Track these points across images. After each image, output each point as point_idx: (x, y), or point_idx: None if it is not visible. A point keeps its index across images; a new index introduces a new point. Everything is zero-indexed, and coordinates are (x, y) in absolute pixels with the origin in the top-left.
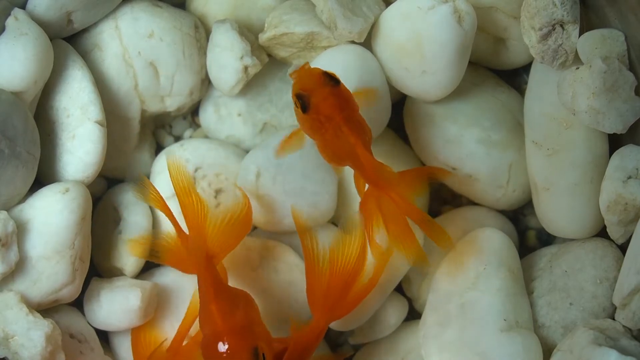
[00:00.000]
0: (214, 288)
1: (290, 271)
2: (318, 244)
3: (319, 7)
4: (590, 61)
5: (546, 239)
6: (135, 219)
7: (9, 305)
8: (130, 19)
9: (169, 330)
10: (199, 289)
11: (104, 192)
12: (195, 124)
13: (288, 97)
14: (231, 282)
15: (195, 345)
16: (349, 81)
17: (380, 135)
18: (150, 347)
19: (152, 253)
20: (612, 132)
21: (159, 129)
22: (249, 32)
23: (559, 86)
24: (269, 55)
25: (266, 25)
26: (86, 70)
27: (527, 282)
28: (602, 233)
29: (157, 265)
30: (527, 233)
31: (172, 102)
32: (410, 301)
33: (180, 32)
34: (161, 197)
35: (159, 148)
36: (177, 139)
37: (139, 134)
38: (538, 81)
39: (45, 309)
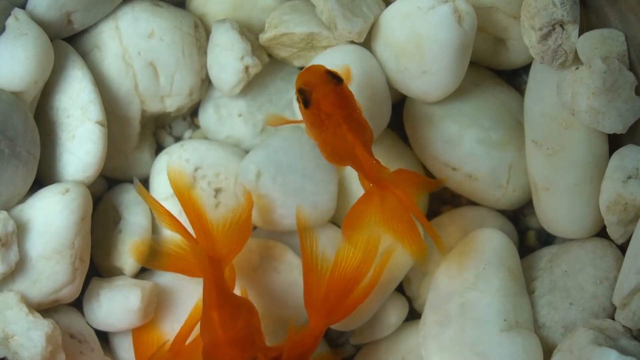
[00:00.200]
0: (217, 294)
1: (290, 271)
2: (318, 246)
3: (319, 8)
4: (590, 61)
5: (546, 239)
6: (135, 219)
7: (9, 305)
8: (131, 19)
9: (169, 330)
10: (203, 293)
11: (104, 192)
12: (194, 125)
13: (288, 98)
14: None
15: (197, 346)
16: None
17: (380, 135)
18: (151, 347)
19: (155, 259)
20: (612, 132)
21: (159, 130)
22: (249, 32)
23: (559, 86)
24: (269, 56)
25: (266, 25)
26: (86, 70)
27: (527, 282)
28: (602, 233)
29: None
30: (527, 233)
31: (172, 102)
32: (410, 301)
33: (180, 31)
34: (168, 212)
35: (159, 148)
36: (177, 139)
37: (139, 134)
38: (538, 81)
39: (45, 309)
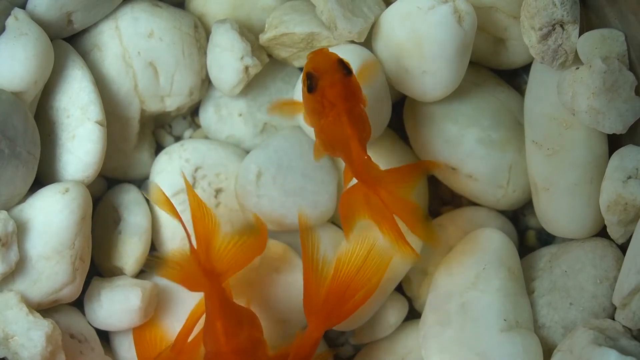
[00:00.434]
0: (220, 305)
1: (291, 271)
2: (319, 250)
3: (319, 8)
4: (590, 61)
5: (546, 239)
6: (135, 219)
7: (9, 305)
8: (130, 19)
9: (170, 329)
10: (205, 304)
11: (104, 192)
12: (195, 124)
13: (288, 97)
14: (232, 282)
15: (199, 343)
16: None
17: (380, 135)
18: (153, 346)
19: (160, 268)
20: (612, 132)
21: (159, 129)
22: (249, 32)
23: (559, 86)
24: (270, 56)
25: (266, 25)
26: (86, 70)
27: (527, 282)
28: (602, 233)
29: None
30: (527, 233)
31: (172, 102)
32: (410, 301)
33: (179, 31)
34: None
35: (159, 148)
36: (177, 139)
37: (138, 134)
38: (538, 81)
39: (46, 309)
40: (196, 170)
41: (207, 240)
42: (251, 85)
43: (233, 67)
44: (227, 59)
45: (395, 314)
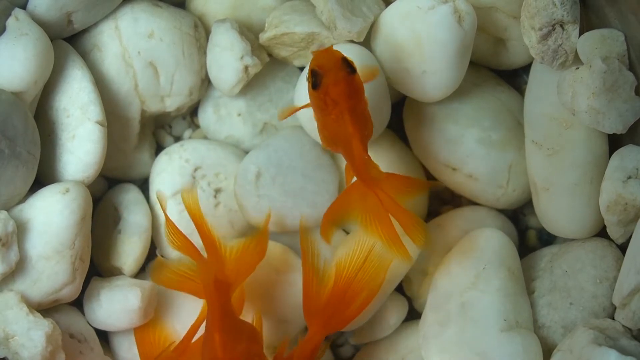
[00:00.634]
0: (220, 316)
1: (290, 271)
2: (319, 255)
3: (319, 8)
4: (590, 61)
5: (546, 239)
6: (135, 219)
7: (9, 305)
8: (130, 19)
9: (171, 329)
10: (207, 314)
11: (104, 192)
12: (194, 124)
13: (289, 97)
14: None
15: (200, 347)
16: None
17: (380, 135)
18: (154, 346)
19: (163, 276)
20: (612, 132)
21: (159, 129)
22: (249, 32)
23: (559, 86)
24: (270, 55)
25: (266, 25)
26: (86, 70)
27: (527, 282)
28: (602, 233)
29: None
30: (527, 233)
31: (172, 102)
32: (410, 301)
33: (179, 31)
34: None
35: (159, 148)
36: (177, 139)
37: (139, 134)
38: (538, 81)
39: (46, 309)
40: (195, 170)
41: (215, 249)
42: (251, 85)
43: (233, 67)
44: (227, 58)
45: (395, 314)
